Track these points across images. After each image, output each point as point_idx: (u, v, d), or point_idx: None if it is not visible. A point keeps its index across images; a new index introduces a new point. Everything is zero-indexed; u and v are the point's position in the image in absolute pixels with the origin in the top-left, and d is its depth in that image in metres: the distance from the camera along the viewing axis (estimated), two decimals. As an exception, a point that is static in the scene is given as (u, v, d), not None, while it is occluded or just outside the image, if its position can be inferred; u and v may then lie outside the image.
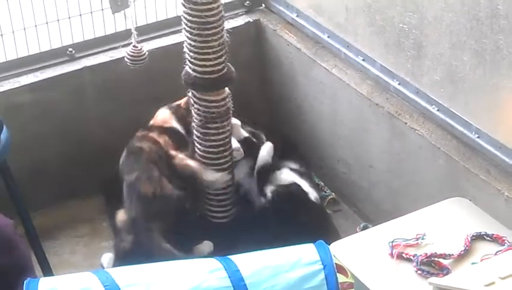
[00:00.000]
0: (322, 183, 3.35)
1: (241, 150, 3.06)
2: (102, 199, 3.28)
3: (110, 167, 3.23)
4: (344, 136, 3.20)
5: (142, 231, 2.84)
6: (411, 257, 2.21)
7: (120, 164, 2.98)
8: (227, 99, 2.97)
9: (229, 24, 3.20)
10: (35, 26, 3.10)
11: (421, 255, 2.20)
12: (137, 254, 2.83)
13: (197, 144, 3.00)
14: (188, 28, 2.84)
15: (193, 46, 2.85)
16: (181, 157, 2.95)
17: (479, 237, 2.27)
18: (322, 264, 2.20)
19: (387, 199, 3.04)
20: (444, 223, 2.34)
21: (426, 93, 2.82)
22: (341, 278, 2.30)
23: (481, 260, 2.18)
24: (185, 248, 2.89)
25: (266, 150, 3.08)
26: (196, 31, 2.82)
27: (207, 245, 2.96)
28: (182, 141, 3.03)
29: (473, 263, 2.18)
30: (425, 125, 2.84)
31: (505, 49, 2.46)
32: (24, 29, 3.09)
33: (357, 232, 2.83)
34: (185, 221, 2.95)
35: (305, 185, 3.01)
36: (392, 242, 2.26)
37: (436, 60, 2.72)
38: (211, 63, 2.87)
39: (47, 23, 3.12)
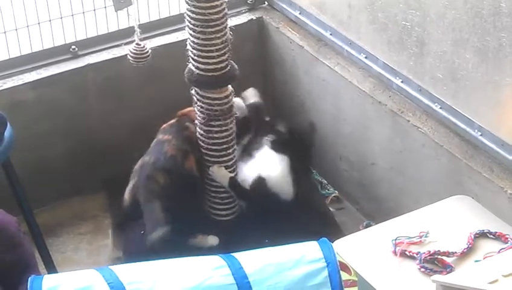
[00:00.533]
0: (325, 181, 3.35)
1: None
2: (105, 197, 3.29)
3: (113, 165, 3.24)
4: (346, 134, 3.20)
5: (144, 176, 2.89)
6: (414, 255, 2.21)
7: (161, 128, 3.02)
8: (230, 97, 2.97)
9: (231, 22, 3.20)
10: (38, 23, 3.11)
11: (424, 253, 2.20)
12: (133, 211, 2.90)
13: (200, 142, 3.01)
14: (191, 26, 2.84)
15: (196, 43, 2.85)
16: None
17: (482, 234, 2.27)
18: (326, 261, 2.21)
19: (389, 197, 3.05)
20: (447, 221, 2.34)
21: (429, 91, 2.82)
22: (344, 275, 2.30)
23: (484, 258, 2.18)
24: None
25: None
26: (199, 29, 2.82)
27: (212, 239, 2.96)
28: None
29: (476, 261, 2.18)
30: (427, 123, 2.84)
31: (508, 47, 2.47)
32: (27, 26, 3.09)
33: (360, 230, 2.83)
34: (188, 213, 2.96)
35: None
36: (395, 240, 2.26)
37: (438, 58, 2.73)
38: (214, 60, 2.87)
39: (50, 20, 3.12)
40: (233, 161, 3.05)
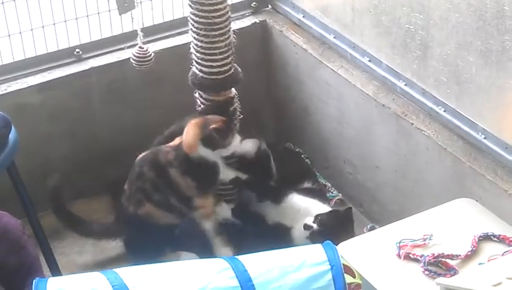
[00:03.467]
0: (329, 184, 3.35)
1: None
2: (110, 199, 3.29)
3: (117, 167, 3.24)
4: (350, 137, 3.21)
5: None
6: (418, 258, 2.21)
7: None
8: (233, 100, 2.97)
9: (235, 25, 3.21)
10: (43, 27, 3.11)
11: (428, 255, 2.20)
12: None
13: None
14: (194, 29, 2.85)
15: (200, 46, 2.86)
16: None
17: (486, 237, 2.26)
18: (330, 264, 2.22)
19: (393, 200, 3.05)
20: (451, 223, 2.34)
21: (432, 94, 2.82)
22: (348, 278, 2.31)
23: (488, 261, 2.18)
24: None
25: None
26: (203, 32, 2.83)
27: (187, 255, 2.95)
28: None
29: (480, 264, 2.18)
30: (431, 126, 2.84)
31: (511, 50, 2.47)
32: (31, 30, 3.10)
33: (364, 232, 2.84)
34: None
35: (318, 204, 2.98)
36: (400, 243, 2.26)
37: (442, 61, 2.73)
38: (218, 63, 2.88)
39: (54, 24, 3.13)
40: (237, 164, 3.05)
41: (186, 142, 2.77)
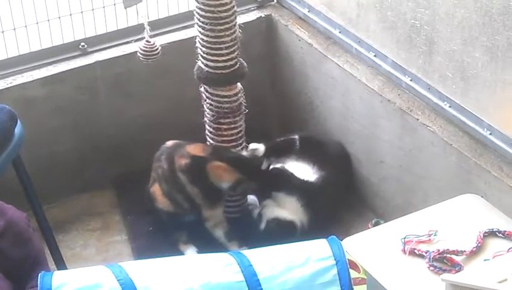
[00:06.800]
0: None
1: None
2: (115, 193, 3.30)
3: (122, 161, 3.25)
4: (355, 132, 3.21)
5: None
6: (423, 253, 2.22)
7: None
8: (239, 95, 2.98)
9: (240, 19, 3.21)
10: (48, 20, 3.11)
11: (433, 251, 2.21)
12: None
13: (209, 139, 3.02)
14: (200, 23, 2.84)
15: (205, 41, 2.86)
16: None
17: (491, 233, 2.27)
18: (335, 259, 2.21)
19: (398, 195, 3.05)
20: (456, 219, 2.35)
21: (438, 89, 2.82)
22: (353, 274, 2.31)
23: (493, 257, 2.18)
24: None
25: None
26: (209, 26, 2.83)
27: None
28: None
29: (485, 260, 2.19)
30: (437, 121, 2.84)
31: (517, 46, 2.47)
32: (37, 23, 3.10)
33: (368, 228, 2.84)
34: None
35: None
36: (405, 238, 2.26)
37: (448, 56, 2.73)
38: (223, 58, 2.88)
39: (59, 17, 3.13)
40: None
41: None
